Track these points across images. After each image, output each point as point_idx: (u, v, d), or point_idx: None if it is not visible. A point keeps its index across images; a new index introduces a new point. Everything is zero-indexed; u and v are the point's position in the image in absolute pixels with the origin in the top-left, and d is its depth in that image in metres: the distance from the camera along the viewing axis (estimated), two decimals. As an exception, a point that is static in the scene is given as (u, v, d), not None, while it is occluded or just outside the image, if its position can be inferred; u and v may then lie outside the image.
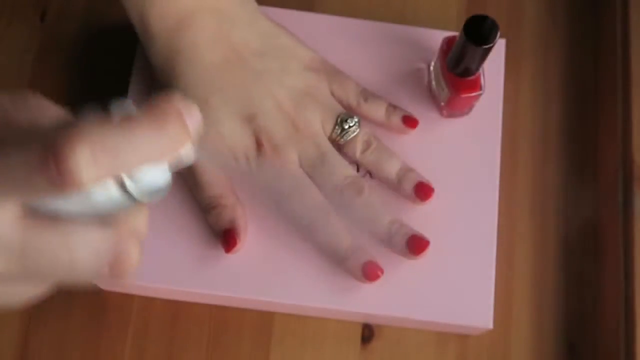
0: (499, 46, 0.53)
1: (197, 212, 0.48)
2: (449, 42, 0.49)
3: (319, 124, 0.47)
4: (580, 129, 0.56)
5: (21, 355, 0.49)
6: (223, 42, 0.46)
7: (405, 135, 0.50)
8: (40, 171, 0.24)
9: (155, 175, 0.29)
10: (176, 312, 0.50)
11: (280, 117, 0.46)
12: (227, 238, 0.46)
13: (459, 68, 0.47)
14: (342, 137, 0.48)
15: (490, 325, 0.47)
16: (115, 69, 0.54)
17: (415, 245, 0.46)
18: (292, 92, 0.47)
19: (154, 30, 0.45)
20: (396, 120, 0.49)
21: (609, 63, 0.56)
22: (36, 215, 0.26)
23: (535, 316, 0.52)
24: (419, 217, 0.48)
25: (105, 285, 0.49)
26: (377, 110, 0.49)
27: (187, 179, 0.48)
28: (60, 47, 0.56)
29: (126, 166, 0.26)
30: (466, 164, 0.50)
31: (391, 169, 0.48)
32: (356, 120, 0.48)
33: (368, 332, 0.51)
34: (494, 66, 0.51)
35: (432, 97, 0.51)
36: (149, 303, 0.50)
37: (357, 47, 0.52)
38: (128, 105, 0.31)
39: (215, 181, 0.47)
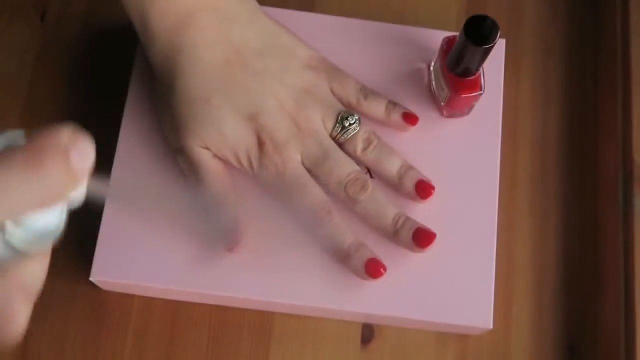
0: (499, 46, 0.53)
1: (197, 211, 0.48)
2: (449, 42, 0.49)
3: (320, 121, 0.47)
4: (580, 129, 0.56)
5: (21, 355, 0.49)
6: (223, 41, 0.46)
7: (405, 135, 0.50)
8: None
9: (41, 220, 0.24)
10: (176, 312, 0.50)
11: (281, 116, 0.46)
12: (228, 237, 0.46)
13: (459, 68, 0.47)
14: (342, 134, 0.48)
15: (490, 325, 0.47)
16: (115, 69, 0.54)
17: (422, 237, 0.46)
18: (292, 91, 0.47)
19: (154, 29, 0.45)
20: (396, 117, 0.49)
21: (609, 63, 0.56)
22: None
23: (535, 316, 0.52)
24: (418, 217, 0.48)
25: (105, 286, 0.49)
26: (377, 108, 0.49)
27: (188, 177, 0.48)
28: (60, 47, 0.56)
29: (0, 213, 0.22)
30: (466, 164, 0.50)
31: (392, 166, 0.48)
32: (356, 118, 0.48)
33: (368, 332, 0.51)
34: (494, 66, 0.51)
35: (432, 97, 0.51)
36: (149, 303, 0.50)
37: (357, 47, 0.52)
38: (15, 137, 0.24)
39: (217, 179, 0.47)
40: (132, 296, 0.50)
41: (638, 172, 0.51)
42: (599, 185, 0.55)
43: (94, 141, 0.24)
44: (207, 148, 0.46)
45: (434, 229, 0.47)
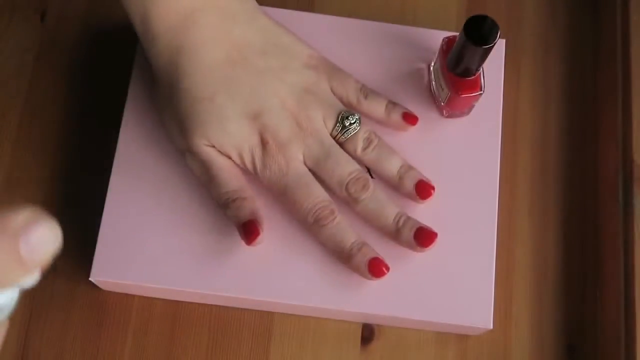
0: (499, 46, 0.53)
1: (198, 211, 0.48)
2: (449, 42, 0.49)
3: (321, 121, 0.47)
4: (580, 129, 0.56)
5: (21, 355, 0.49)
6: (225, 40, 0.46)
7: (405, 135, 0.50)
8: None
9: None
10: (176, 312, 0.50)
11: (284, 115, 0.46)
12: (249, 229, 0.45)
13: (458, 68, 0.47)
14: (343, 134, 0.48)
15: (490, 325, 0.47)
16: (115, 69, 0.54)
17: (424, 236, 0.46)
18: (294, 90, 0.47)
19: (155, 30, 0.45)
20: (396, 116, 0.50)
21: (609, 63, 0.56)
22: None
23: (535, 316, 0.52)
24: (418, 217, 0.47)
25: (105, 286, 0.49)
26: (377, 107, 0.49)
27: (200, 177, 0.47)
28: (60, 47, 0.56)
29: None
30: (466, 164, 0.50)
31: (392, 166, 0.48)
32: (357, 117, 0.48)
33: (368, 332, 0.51)
34: (494, 66, 0.51)
35: (432, 97, 0.51)
36: (149, 303, 0.50)
37: (357, 47, 0.52)
38: None
39: (233, 175, 0.47)
40: (132, 296, 0.50)
41: (638, 172, 0.51)
42: (599, 185, 0.55)
43: (59, 227, 0.22)
44: (213, 146, 0.46)
45: (433, 229, 0.47)
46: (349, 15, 0.54)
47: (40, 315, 0.50)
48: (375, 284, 0.47)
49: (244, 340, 0.50)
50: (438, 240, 0.47)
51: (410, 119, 0.50)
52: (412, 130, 0.50)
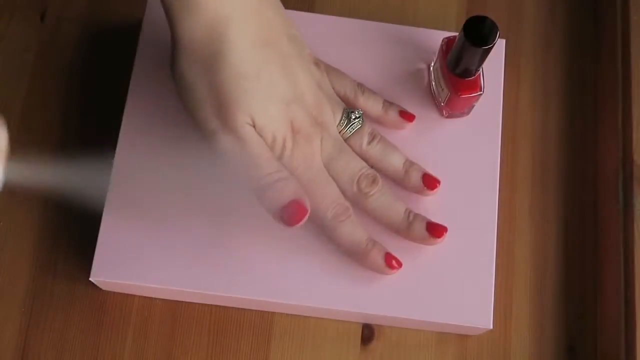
0: (499, 46, 0.53)
1: (198, 211, 0.48)
2: (448, 42, 0.49)
3: (331, 115, 0.47)
4: (580, 129, 0.56)
5: (21, 355, 0.49)
6: (262, 17, 0.44)
7: (405, 135, 0.50)
8: None
9: None
10: (176, 312, 0.50)
11: (305, 106, 0.46)
12: (296, 208, 0.43)
13: (458, 68, 0.47)
14: (347, 128, 0.48)
15: (490, 325, 0.47)
16: (115, 69, 0.54)
17: (436, 228, 0.47)
18: (311, 82, 0.46)
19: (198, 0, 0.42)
20: (393, 114, 0.50)
21: (609, 63, 0.56)
22: None
23: (535, 316, 0.52)
24: (419, 217, 0.48)
25: (105, 286, 0.49)
26: (375, 105, 0.50)
27: (233, 158, 0.44)
28: (60, 47, 0.56)
29: None
30: (466, 164, 0.50)
31: (397, 160, 0.49)
32: (361, 113, 0.48)
33: (368, 332, 0.51)
34: (493, 66, 0.51)
35: (432, 97, 0.52)
36: (149, 303, 0.50)
37: (357, 47, 0.52)
38: None
39: (271, 156, 0.44)
40: (132, 296, 0.50)
41: (638, 172, 0.51)
42: (599, 185, 0.55)
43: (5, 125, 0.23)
44: (252, 125, 0.44)
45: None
46: (349, 15, 0.54)
47: (40, 315, 0.50)
48: (375, 284, 0.47)
49: (244, 341, 0.50)
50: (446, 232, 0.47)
51: (407, 116, 0.50)
52: (412, 130, 0.51)
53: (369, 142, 0.48)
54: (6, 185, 0.24)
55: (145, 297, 0.50)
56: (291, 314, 0.51)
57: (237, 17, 0.42)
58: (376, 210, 0.48)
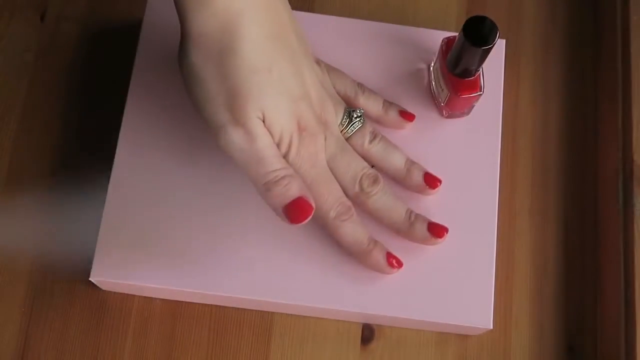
0: (499, 46, 0.53)
1: (198, 211, 0.48)
2: (448, 42, 0.49)
3: (334, 114, 0.47)
4: (580, 128, 0.56)
5: (21, 355, 0.49)
6: (272, 12, 0.44)
7: (405, 135, 0.50)
8: None
9: None
10: (176, 312, 0.50)
11: (310, 104, 0.45)
12: (301, 206, 0.43)
13: (458, 69, 0.47)
14: (349, 127, 0.48)
15: (490, 325, 0.47)
16: (115, 69, 0.54)
17: (437, 229, 0.47)
18: (315, 80, 0.46)
19: None
20: (393, 113, 0.50)
21: (609, 63, 0.56)
22: None
23: (535, 316, 0.52)
24: (419, 217, 0.48)
25: (105, 286, 0.49)
26: (375, 105, 0.50)
27: (240, 153, 0.43)
28: (60, 47, 0.56)
29: None
30: (466, 164, 0.50)
31: (398, 159, 0.49)
32: (362, 112, 0.48)
33: (368, 332, 0.51)
34: (493, 66, 0.51)
35: (432, 97, 0.52)
36: (149, 303, 0.50)
37: (357, 47, 0.52)
38: None
39: (278, 153, 0.44)
40: (132, 296, 0.50)
41: (638, 172, 0.51)
42: (599, 185, 0.55)
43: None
44: (262, 119, 0.43)
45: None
46: (349, 15, 0.54)
47: (40, 315, 0.50)
48: (375, 284, 0.47)
49: (244, 340, 0.50)
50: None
51: (407, 116, 0.50)
52: (412, 130, 0.51)
53: (371, 141, 0.48)
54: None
55: (145, 297, 0.50)
56: (291, 314, 0.51)
57: (248, 11, 0.42)
58: (378, 210, 0.48)
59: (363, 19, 0.53)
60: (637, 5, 0.54)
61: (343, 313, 0.49)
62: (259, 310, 0.51)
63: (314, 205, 0.43)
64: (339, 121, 0.48)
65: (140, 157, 0.49)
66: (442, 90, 0.49)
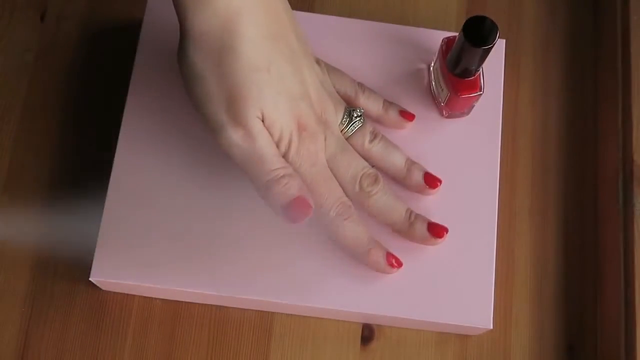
0: (499, 46, 0.53)
1: (198, 211, 0.48)
2: (448, 42, 0.49)
3: (334, 114, 0.47)
4: (580, 128, 0.56)
5: (21, 355, 0.49)
6: (272, 11, 0.44)
7: (405, 135, 0.50)
8: None
9: None
10: (176, 312, 0.50)
11: (312, 104, 0.45)
12: (301, 204, 0.43)
13: (458, 69, 0.47)
14: (349, 127, 0.48)
15: (490, 325, 0.47)
16: (115, 69, 0.54)
17: (436, 229, 0.47)
18: (315, 80, 0.46)
19: None
20: (393, 113, 0.50)
21: (609, 63, 0.56)
22: None
23: (535, 316, 0.52)
24: (419, 217, 0.48)
25: (105, 286, 0.49)
26: (375, 104, 0.50)
27: (240, 153, 0.44)
28: (60, 47, 0.56)
29: None
30: (466, 164, 0.50)
31: (398, 159, 0.49)
32: (362, 111, 0.48)
33: (368, 332, 0.51)
34: (493, 66, 0.51)
35: (432, 97, 0.52)
36: (149, 303, 0.50)
37: (357, 47, 0.52)
38: None
39: (277, 152, 0.44)
40: (132, 296, 0.50)
41: (638, 172, 0.51)
42: (599, 185, 0.55)
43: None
44: (262, 119, 0.43)
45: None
46: (349, 15, 0.54)
47: (40, 315, 0.50)
48: (375, 284, 0.47)
49: (244, 341, 0.50)
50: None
51: (407, 115, 0.50)
52: (412, 130, 0.51)
53: (371, 141, 0.48)
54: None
55: (145, 297, 0.50)
56: (291, 314, 0.51)
57: (247, 10, 0.42)
58: (378, 210, 0.48)
59: (363, 19, 0.53)
60: (637, 5, 0.54)
61: (343, 313, 0.49)
62: (259, 310, 0.51)
63: (313, 204, 0.43)
64: (339, 121, 0.48)
65: (140, 157, 0.49)
66: (442, 90, 0.49)
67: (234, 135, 0.43)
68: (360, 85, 0.50)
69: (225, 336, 0.50)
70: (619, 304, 0.49)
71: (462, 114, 0.51)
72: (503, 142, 0.52)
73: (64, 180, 0.53)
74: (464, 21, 0.44)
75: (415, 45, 0.53)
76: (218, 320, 0.50)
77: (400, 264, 0.47)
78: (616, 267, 0.50)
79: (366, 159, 0.48)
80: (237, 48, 0.42)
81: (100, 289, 0.50)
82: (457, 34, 0.46)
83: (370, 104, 0.50)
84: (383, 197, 0.47)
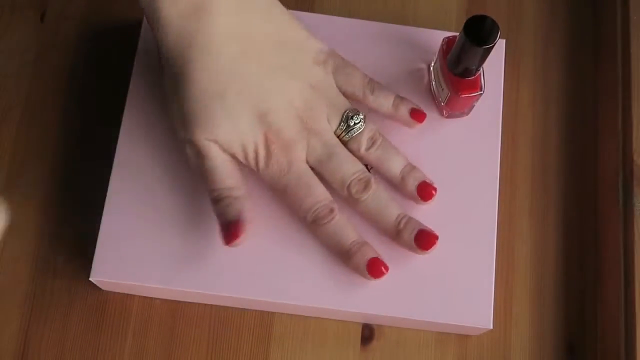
0: (499, 46, 0.53)
1: (198, 211, 0.48)
2: (449, 42, 0.49)
3: (325, 120, 0.47)
4: (580, 129, 0.56)
5: (21, 355, 0.49)
6: (241, 32, 0.45)
7: (405, 135, 0.50)
8: None
9: None
10: (176, 312, 0.50)
11: (290, 115, 0.46)
12: (230, 230, 0.45)
13: (458, 68, 0.47)
14: (347, 133, 0.47)
15: (490, 325, 0.47)
16: (115, 69, 0.54)
17: (424, 240, 0.46)
18: (302, 89, 0.46)
19: (165, 15, 0.43)
20: (404, 112, 0.49)
21: (609, 63, 0.56)
22: None
23: (535, 316, 0.52)
24: (419, 217, 0.48)
25: (105, 286, 0.49)
26: (384, 102, 0.49)
27: (194, 168, 0.46)
28: (60, 47, 0.56)
29: None
30: (466, 164, 0.50)
31: (395, 166, 0.48)
32: (362, 117, 0.48)
33: (368, 332, 0.51)
34: (494, 66, 0.51)
35: (432, 97, 0.52)
36: (149, 303, 0.50)
37: (357, 47, 0.52)
38: None
39: (229, 172, 0.46)
40: (132, 296, 0.50)
41: (638, 172, 0.51)
42: (599, 185, 0.55)
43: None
44: (216, 142, 0.45)
45: (434, 229, 0.47)
46: (349, 15, 0.54)
47: (40, 315, 0.50)
48: (375, 284, 0.47)
49: (244, 340, 0.50)
50: (438, 240, 0.47)
51: (417, 115, 0.49)
52: (412, 130, 0.50)
53: (368, 148, 0.48)
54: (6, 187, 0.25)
55: (145, 297, 0.50)
56: (291, 314, 0.51)
57: (207, 36, 0.44)
58: (368, 215, 0.47)
59: (363, 19, 0.53)
60: (637, 5, 0.54)
61: (343, 313, 0.49)
62: (259, 310, 0.51)
63: (243, 232, 0.45)
64: (336, 126, 0.47)
65: (140, 157, 0.49)
66: (443, 89, 0.49)
67: (189, 151, 0.46)
68: (371, 83, 0.49)
69: (225, 336, 0.50)
70: (619, 304, 0.49)
71: (462, 114, 0.51)
72: (503, 142, 0.52)
73: (64, 180, 0.53)
74: (464, 21, 0.44)
75: (415, 45, 0.53)
76: (218, 320, 0.50)
77: (386, 270, 0.46)
78: (616, 267, 0.50)
79: (365, 163, 0.48)
80: (187, 76, 0.44)
81: (100, 289, 0.50)
82: (457, 34, 0.46)
83: (378, 103, 0.49)
84: (372, 203, 0.47)
